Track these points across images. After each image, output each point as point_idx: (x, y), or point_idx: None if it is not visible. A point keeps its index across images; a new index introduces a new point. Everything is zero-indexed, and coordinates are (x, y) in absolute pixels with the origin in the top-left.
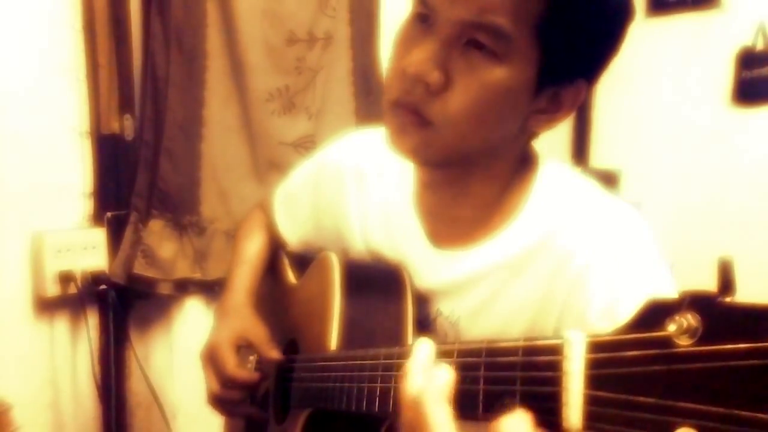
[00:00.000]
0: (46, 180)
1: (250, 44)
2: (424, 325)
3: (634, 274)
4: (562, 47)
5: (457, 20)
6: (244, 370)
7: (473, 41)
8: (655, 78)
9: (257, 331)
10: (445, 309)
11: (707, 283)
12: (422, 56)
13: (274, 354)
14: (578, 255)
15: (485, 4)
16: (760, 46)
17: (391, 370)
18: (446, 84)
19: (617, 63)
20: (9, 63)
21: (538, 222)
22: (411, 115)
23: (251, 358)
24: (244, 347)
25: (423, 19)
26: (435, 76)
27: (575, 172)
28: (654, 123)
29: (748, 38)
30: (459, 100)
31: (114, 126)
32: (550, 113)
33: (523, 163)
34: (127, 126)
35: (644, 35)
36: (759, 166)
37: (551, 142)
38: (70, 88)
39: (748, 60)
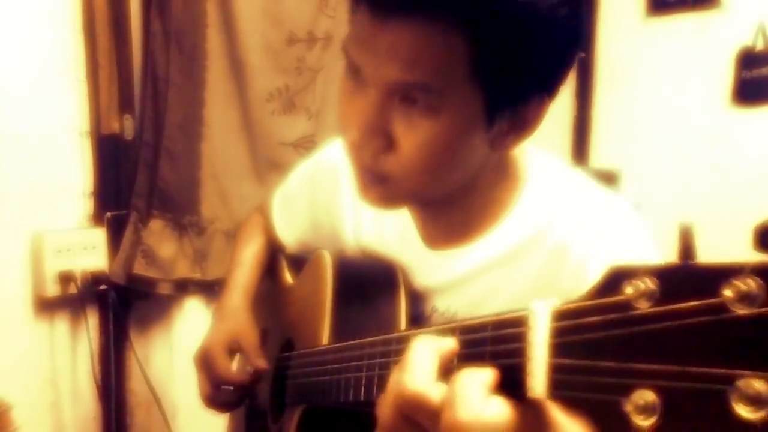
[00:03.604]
0: (46, 180)
1: (250, 44)
2: (420, 321)
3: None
4: (502, 80)
5: (385, 81)
6: (233, 372)
7: (407, 98)
8: (655, 78)
9: (249, 337)
10: (440, 305)
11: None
12: (360, 122)
13: (261, 363)
14: (575, 247)
15: (408, 63)
16: (760, 46)
17: (389, 356)
18: (390, 144)
19: (617, 63)
20: (9, 63)
21: (531, 215)
22: (367, 174)
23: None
24: (239, 351)
25: (356, 72)
26: (375, 144)
27: (563, 163)
28: (654, 123)
29: (748, 38)
30: (407, 155)
31: (114, 126)
32: (515, 132)
33: (509, 161)
34: (127, 126)
35: (644, 35)
36: (759, 166)
37: (551, 142)
38: (70, 88)
39: (748, 60)
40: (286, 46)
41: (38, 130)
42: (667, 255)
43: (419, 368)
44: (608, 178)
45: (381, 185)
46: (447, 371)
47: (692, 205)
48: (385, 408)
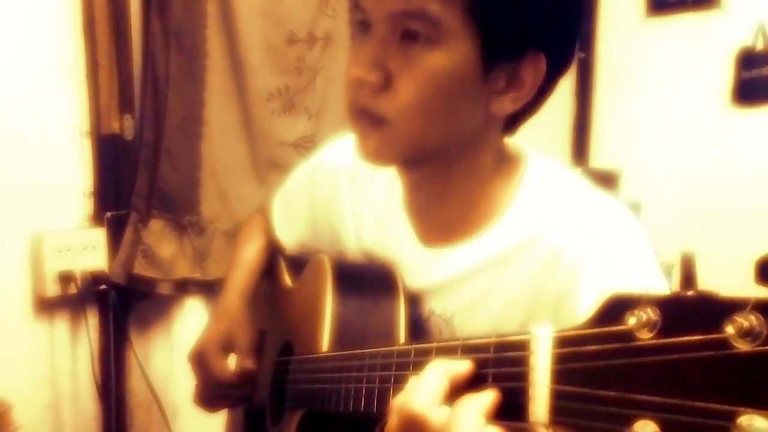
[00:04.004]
0: (46, 180)
1: (250, 44)
2: (417, 324)
3: (624, 267)
4: (498, 24)
5: (387, 14)
6: (230, 371)
7: (407, 33)
8: (655, 78)
9: (242, 337)
10: (437, 307)
11: (706, 282)
12: (360, 60)
13: (248, 364)
14: (569, 250)
15: None
16: (760, 46)
17: (391, 369)
18: (388, 81)
19: (617, 63)
20: (9, 63)
21: (527, 217)
22: (365, 117)
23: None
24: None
25: (363, 27)
26: (374, 76)
27: (562, 167)
28: (654, 123)
29: (748, 38)
30: (404, 92)
31: (114, 126)
32: (513, 92)
33: (508, 158)
34: (127, 126)
35: (644, 35)
36: (759, 166)
37: (551, 142)
38: (70, 88)
39: (748, 60)
40: (286, 46)
41: (38, 130)
42: (663, 257)
43: (426, 389)
44: (608, 178)
45: (378, 129)
46: (460, 393)
47: (691, 205)
48: (392, 416)
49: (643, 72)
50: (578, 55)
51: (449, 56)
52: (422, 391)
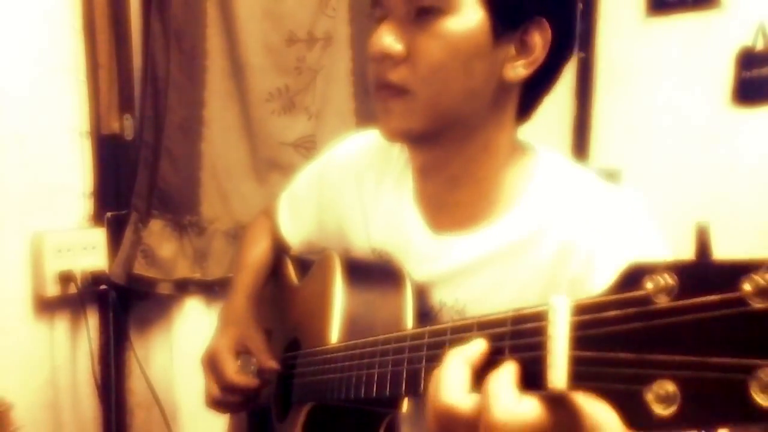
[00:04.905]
0: (46, 180)
1: (250, 44)
2: (429, 316)
3: (638, 253)
4: None
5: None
6: (243, 377)
7: (422, 10)
8: (655, 78)
9: (256, 339)
10: (448, 298)
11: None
12: (382, 37)
13: (272, 364)
14: (582, 243)
15: None
16: (760, 46)
17: (404, 353)
18: (408, 52)
19: (617, 63)
20: (9, 63)
21: (539, 208)
22: (387, 89)
23: (254, 360)
24: (245, 353)
25: (382, 17)
26: (396, 48)
27: (570, 161)
28: (654, 123)
29: (748, 38)
30: (423, 59)
31: (114, 126)
32: (524, 58)
33: (519, 149)
34: (127, 126)
35: (644, 35)
36: (759, 166)
37: (551, 143)
38: (70, 88)
39: (748, 60)
40: (286, 46)
41: (38, 130)
42: (673, 250)
43: (449, 382)
44: (608, 177)
45: (400, 99)
46: (481, 372)
47: (692, 205)
48: (428, 416)
49: (643, 72)
50: (578, 54)
51: (458, 19)
52: (448, 384)
